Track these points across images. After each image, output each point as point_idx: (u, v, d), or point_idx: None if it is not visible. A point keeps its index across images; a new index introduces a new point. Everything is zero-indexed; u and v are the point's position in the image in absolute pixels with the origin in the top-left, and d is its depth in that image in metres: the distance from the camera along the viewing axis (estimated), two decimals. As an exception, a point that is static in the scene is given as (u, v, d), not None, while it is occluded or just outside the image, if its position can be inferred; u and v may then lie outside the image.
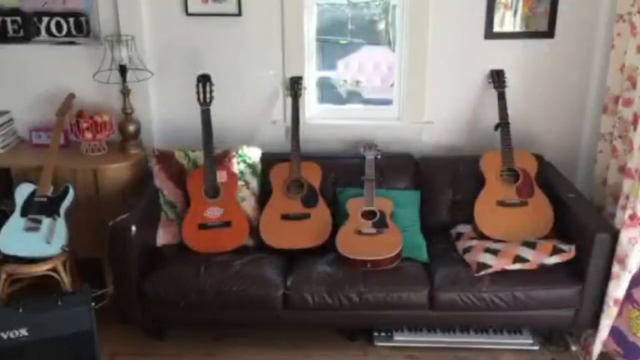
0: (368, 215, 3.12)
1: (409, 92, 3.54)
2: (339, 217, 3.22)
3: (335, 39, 5.31)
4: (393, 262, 2.96)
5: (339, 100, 5.06)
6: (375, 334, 3.12)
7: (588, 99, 3.51)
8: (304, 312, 2.92)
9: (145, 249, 3.07)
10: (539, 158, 3.37)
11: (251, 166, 3.36)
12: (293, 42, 3.45)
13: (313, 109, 3.69)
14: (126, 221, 2.90)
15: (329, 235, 3.13)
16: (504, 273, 2.89)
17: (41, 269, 3.01)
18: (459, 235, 3.22)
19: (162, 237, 3.22)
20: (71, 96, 3.46)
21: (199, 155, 3.31)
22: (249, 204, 3.29)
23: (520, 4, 3.35)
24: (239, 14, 3.40)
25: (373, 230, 3.05)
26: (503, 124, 3.32)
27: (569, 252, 2.91)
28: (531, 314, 2.92)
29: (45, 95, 3.57)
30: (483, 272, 2.89)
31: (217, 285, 2.89)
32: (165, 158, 3.32)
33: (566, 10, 3.36)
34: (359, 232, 3.05)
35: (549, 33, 3.40)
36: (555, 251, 2.92)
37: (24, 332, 2.58)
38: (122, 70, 3.33)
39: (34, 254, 2.99)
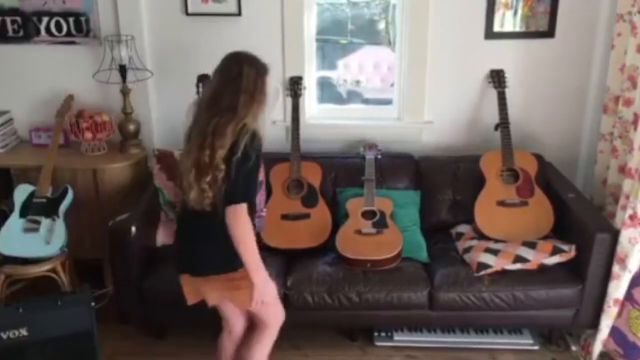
0: (368, 215, 3.12)
1: (409, 92, 3.54)
2: (338, 217, 3.22)
3: (335, 38, 5.30)
4: (393, 262, 2.96)
5: (339, 100, 5.05)
6: (375, 334, 3.12)
7: (588, 99, 3.51)
8: (304, 312, 2.92)
9: (145, 249, 3.06)
10: (539, 158, 3.36)
11: (251, 166, 3.35)
12: (293, 42, 3.45)
13: (313, 109, 3.69)
14: (126, 221, 2.90)
15: (329, 235, 3.13)
16: (504, 273, 2.89)
17: (40, 269, 3.01)
18: (459, 235, 3.22)
19: (162, 237, 3.20)
20: (70, 98, 3.46)
21: (198, 155, 3.30)
22: (249, 204, 3.28)
23: (520, 3, 3.35)
24: (239, 14, 3.40)
25: (373, 230, 3.05)
26: (503, 124, 3.32)
27: (569, 252, 2.91)
28: (531, 314, 2.92)
29: (45, 95, 3.57)
30: (483, 272, 2.89)
31: (217, 285, 2.89)
32: (165, 158, 3.31)
33: (566, 10, 3.36)
34: (359, 232, 3.05)
35: (549, 33, 3.40)
36: (556, 251, 2.92)
37: (24, 332, 2.58)
38: (122, 70, 3.33)
39: (33, 254, 2.99)
